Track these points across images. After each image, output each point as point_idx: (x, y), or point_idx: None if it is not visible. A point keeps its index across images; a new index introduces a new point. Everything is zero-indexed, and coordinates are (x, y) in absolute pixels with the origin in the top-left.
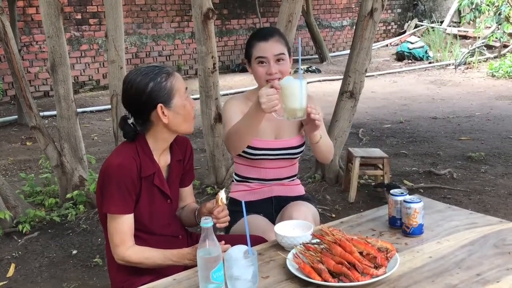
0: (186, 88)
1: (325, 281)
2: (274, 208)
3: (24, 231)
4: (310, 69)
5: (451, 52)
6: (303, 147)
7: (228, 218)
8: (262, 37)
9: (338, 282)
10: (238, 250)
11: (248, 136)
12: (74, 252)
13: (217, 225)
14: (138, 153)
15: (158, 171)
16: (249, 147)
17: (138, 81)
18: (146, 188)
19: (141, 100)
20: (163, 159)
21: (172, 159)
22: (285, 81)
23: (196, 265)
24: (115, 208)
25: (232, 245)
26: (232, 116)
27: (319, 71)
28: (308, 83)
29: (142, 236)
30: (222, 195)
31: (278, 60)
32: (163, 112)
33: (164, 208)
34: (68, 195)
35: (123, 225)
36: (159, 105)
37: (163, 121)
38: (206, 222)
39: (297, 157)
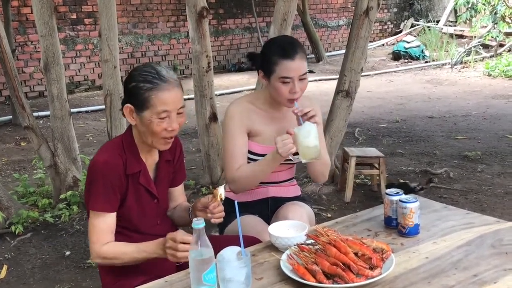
0: (166, 111)
1: (320, 282)
2: (270, 209)
3: (17, 232)
4: None
5: (447, 51)
6: None
7: (223, 214)
8: (288, 56)
9: (333, 283)
10: (231, 252)
11: (259, 180)
12: (67, 253)
13: (212, 220)
14: (124, 150)
15: (144, 170)
16: (250, 152)
17: (132, 75)
18: (133, 187)
19: (124, 90)
20: (150, 158)
21: (161, 159)
22: (299, 127)
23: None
24: (99, 206)
25: (226, 245)
26: (233, 138)
27: (311, 72)
28: None
29: (132, 235)
30: (221, 191)
31: (301, 79)
32: (131, 114)
33: (152, 208)
34: (62, 196)
35: (103, 223)
36: (127, 105)
37: (130, 121)
38: (198, 223)
39: (295, 163)
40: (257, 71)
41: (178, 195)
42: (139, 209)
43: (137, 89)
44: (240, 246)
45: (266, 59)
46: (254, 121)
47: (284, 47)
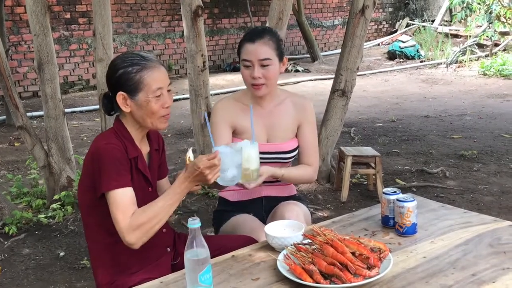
0: (160, 88)
1: (317, 282)
2: (264, 208)
3: (10, 233)
4: (298, 68)
5: (442, 50)
6: (296, 151)
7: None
8: (249, 39)
9: (330, 283)
10: (224, 147)
11: None
12: (62, 254)
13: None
14: (120, 138)
15: (141, 156)
16: None
17: (114, 64)
18: (134, 171)
19: (110, 82)
20: (143, 147)
21: (151, 148)
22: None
23: (201, 181)
24: (115, 183)
25: (221, 245)
26: (217, 131)
27: (307, 70)
28: (299, 82)
29: None
30: (189, 154)
31: (263, 65)
32: (125, 101)
33: (147, 195)
34: (56, 196)
35: (124, 198)
36: (120, 93)
37: (124, 109)
38: (194, 223)
39: (289, 162)
40: None
41: (163, 185)
42: (138, 196)
43: (127, 74)
44: (235, 244)
45: (238, 47)
46: (240, 118)
47: (250, 32)
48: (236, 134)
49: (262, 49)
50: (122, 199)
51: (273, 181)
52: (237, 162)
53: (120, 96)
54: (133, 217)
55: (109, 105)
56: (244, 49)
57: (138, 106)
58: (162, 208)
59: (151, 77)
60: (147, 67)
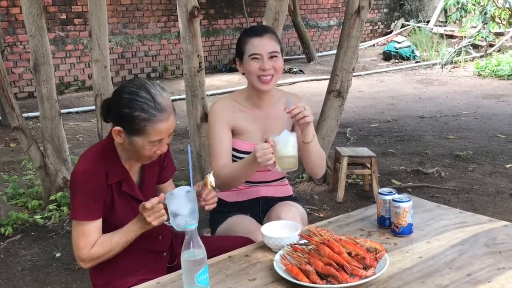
0: (160, 139)
1: (313, 282)
2: (261, 209)
3: (6, 234)
4: (292, 70)
5: (437, 51)
6: None
7: (216, 199)
8: (256, 33)
9: (327, 283)
10: (180, 189)
11: (242, 180)
12: (58, 255)
13: (206, 207)
14: (105, 158)
15: (127, 177)
16: (235, 150)
17: (121, 97)
18: (117, 195)
19: (112, 109)
20: (135, 164)
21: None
22: (278, 136)
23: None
24: (81, 216)
25: (218, 246)
26: (217, 134)
27: (302, 72)
28: (295, 83)
29: None
30: (211, 178)
31: (272, 57)
32: (120, 135)
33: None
34: (52, 197)
35: (89, 231)
36: (117, 128)
37: (117, 140)
38: (191, 224)
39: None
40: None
41: (166, 188)
42: (128, 215)
43: (132, 118)
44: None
45: (239, 44)
46: (238, 118)
47: (253, 28)
48: (234, 134)
49: (270, 42)
50: (88, 231)
51: (269, 180)
52: (190, 208)
53: (117, 130)
54: (92, 250)
55: (106, 114)
56: (251, 44)
57: (131, 144)
58: (117, 244)
59: (156, 130)
60: (155, 119)
